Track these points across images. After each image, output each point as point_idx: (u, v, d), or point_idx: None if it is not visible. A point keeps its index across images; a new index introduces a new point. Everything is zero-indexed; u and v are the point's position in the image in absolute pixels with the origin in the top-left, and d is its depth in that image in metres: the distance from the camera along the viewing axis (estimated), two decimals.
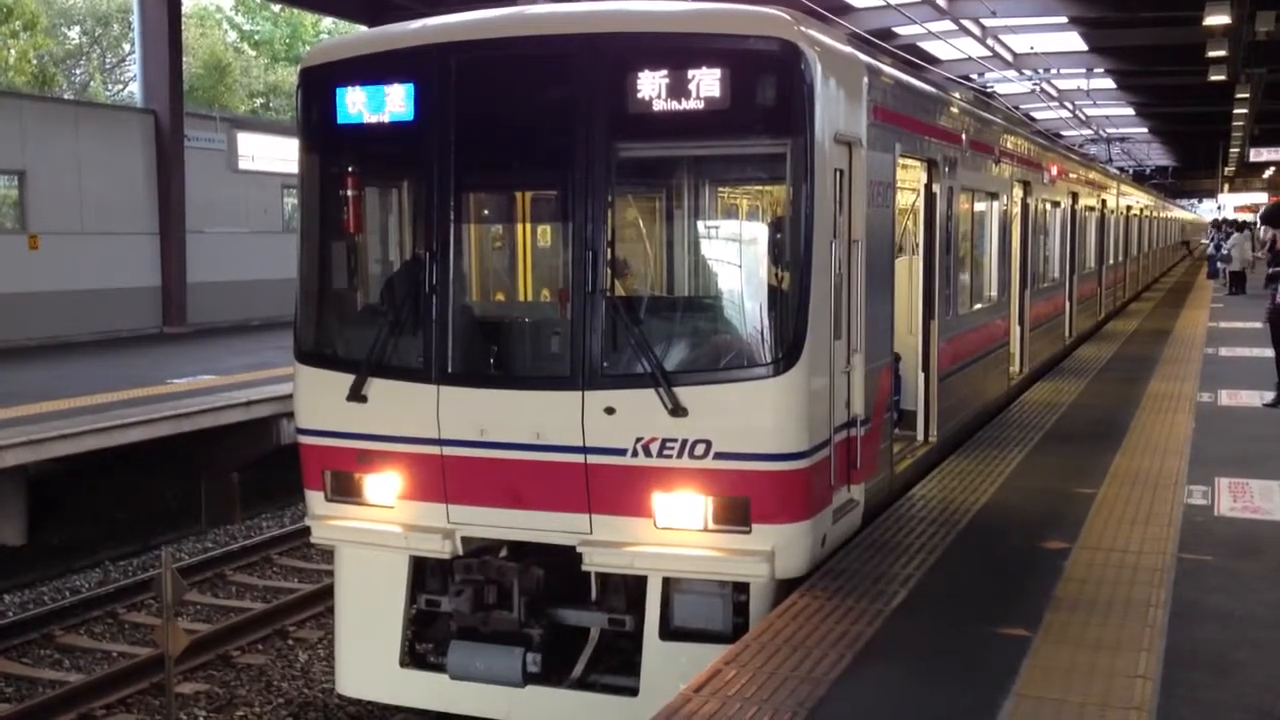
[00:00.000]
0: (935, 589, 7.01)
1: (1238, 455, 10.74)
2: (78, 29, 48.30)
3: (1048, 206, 16.82)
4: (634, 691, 7.18)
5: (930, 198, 10.19)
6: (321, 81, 7.81)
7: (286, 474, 12.56)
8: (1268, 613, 6.62)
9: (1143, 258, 35.53)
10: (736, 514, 6.91)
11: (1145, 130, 60.66)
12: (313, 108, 7.95)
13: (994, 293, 13.24)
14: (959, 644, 6.15)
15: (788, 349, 6.87)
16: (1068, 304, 19.22)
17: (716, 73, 6.79)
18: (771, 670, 5.77)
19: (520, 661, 7.29)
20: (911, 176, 9.98)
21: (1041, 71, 35.94)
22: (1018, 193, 14.31)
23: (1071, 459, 10.61)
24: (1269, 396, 13.55)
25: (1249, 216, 54.70)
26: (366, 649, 7.92)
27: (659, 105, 6.88)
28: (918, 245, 10.36)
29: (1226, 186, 68.42)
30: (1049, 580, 7.13)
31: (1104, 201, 24.17)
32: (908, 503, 8.96)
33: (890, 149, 8.58)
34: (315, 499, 7.93)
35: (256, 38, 54.75)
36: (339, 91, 7.62)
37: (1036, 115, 45.62)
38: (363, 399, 7.52)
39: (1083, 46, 37.05)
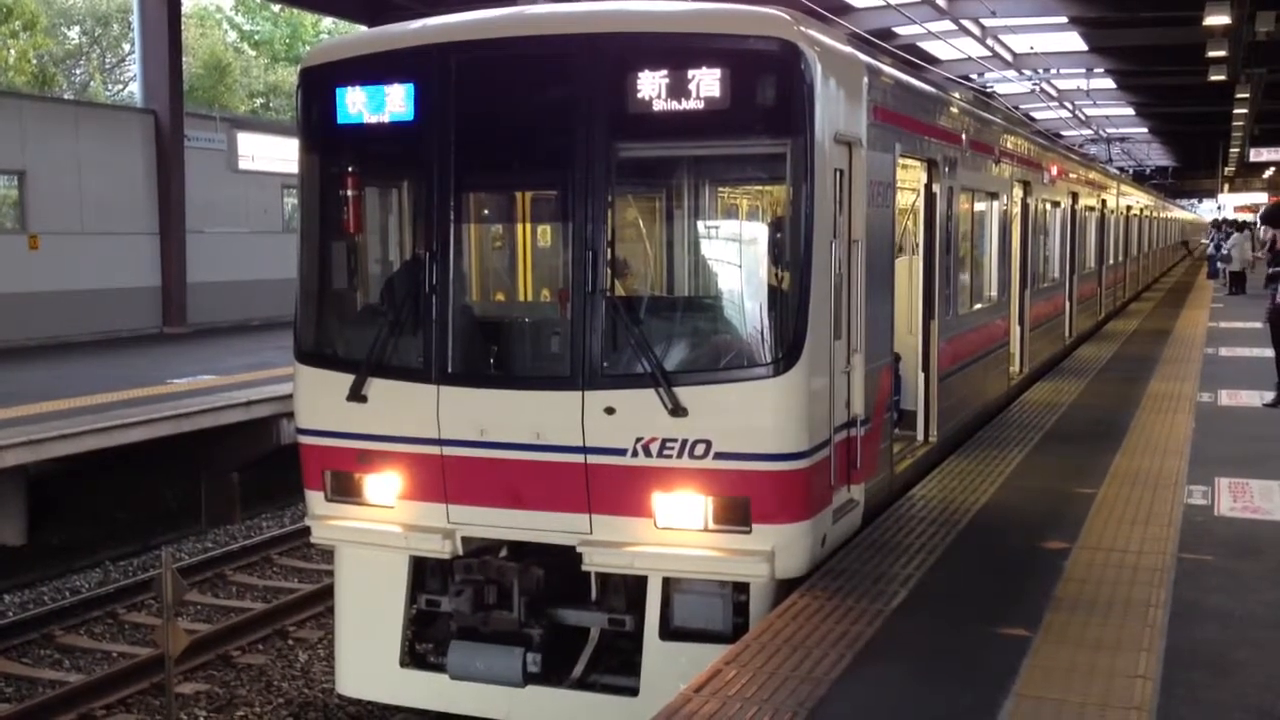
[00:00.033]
0: (935, 589, 7.01)
1: (1238, 455, 10.74)
2: (77, 29, 48.31)
3: (1048, 206, 16.82)
4: (634, 691, 7.18)
5: (930, 198, 10.19)
6: (321, 81, 7.81)
7: (286, 474, 12.56)
8: (1268, 612, 6.62)
9: (1143, 258, 35.54)
10: (736, 514, 6.91)
11: (1145, 130, 60.67)
12: (313, 108, 7.95)
13: (994, 293, 13.25)
14: (959, 644, 6.15)
15: (788, 349, 6.87)
16: (1068, 304, 19.22)
17: (716, 73, 6.79)
18: (772, 670, 5.77)
19: (520, 661, 7.29)
20: (911, 176, 9.98)
21: (1041, 71, 35.94)
22: (1018, 193, 14.31)
23: (1071, 459, 10.61)
24: (1269, 396, 13.55)
25: (1249, 216, 54.72)
26: (367, 649, 7.92)
27: (659, 105, 6.88)
28: (918, 245, 10.36)
29: (1226, 186, 68.43)
30: (1049, 580, 7.13)
31: (1104, 201, 24.17)
32: (908, 503, 8.96)
33: (890, 149, 8.58)
34: (315, 499, 7.93)
35: (256, 38, 54.77)
36: (339, 91, 7.62)
37: (1036, 115, 45.62)
38: (363, 399, 7.52)
39: (1083, 46, 37.05)
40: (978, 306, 12.30)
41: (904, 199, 9.68)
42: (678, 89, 6.84)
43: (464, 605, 7.39)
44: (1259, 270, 29.51)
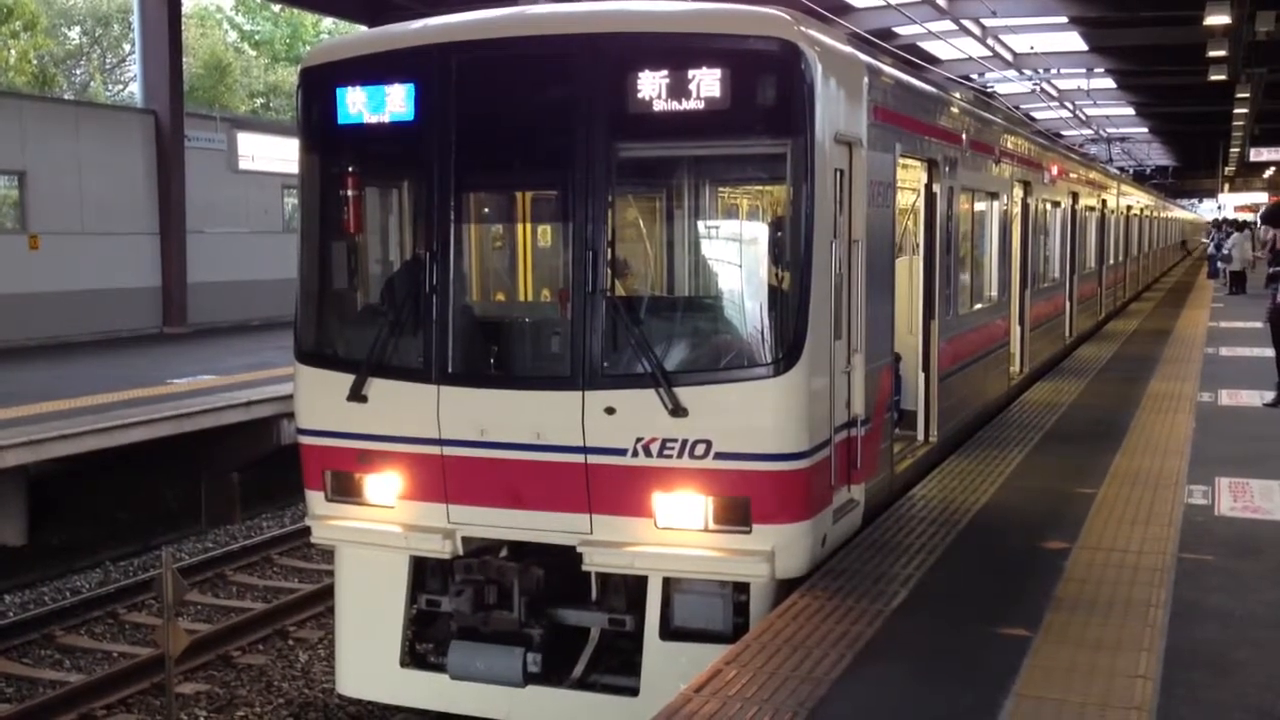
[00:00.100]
0: (935, 589, 7.01)
1: (1238, 455, 10.74)
2: (78, 29, 48.32)
3: (1048, 206, 16.82)
4: (634, 691, 7.18)
5: (930, 198, 10.19)
6: (322, 81, 7.81)
7: (287, 474, 12.56)
8: (1268, 612, 6.62)
9: (1143, 257, 35.53)
10: (737, 514, 6.91)
11: (1145, 130, 60.68)
12: (313, 108, 7.95)
13: (994, 293, 13.25)
14: (959, 644, 6.15)
15: (788, 349, 6.87)
16: (1068, 304, 19.22)
17: (717, 73, 6.79)
18: (772, 670, 5.77)
19: (520, 661, 7.29)
20: (912, 176, 9.98)
21: (1041, 71, 35.96)
22: (1018, 193, 14.31)
23: (1072, 459, 10.61)
24: (1269, 396, 13.55)
25: (1249, 216, 54.73)
26: (367, 649, 7.92)
27: (659, 105, 6.88)
28: (918, 245, 10.36)
29: (1227, 186, 68.44)
30: (1049, 580, 7.13)
31: (1104, 201, 24.17)
32: (908, 503, 8.96)
33: (890, 149, 8.58)
34: (315, 499, 7.93)
35: (257, 38, 54.77)
36: (339, 91, 7.62)
37: (1036, 115, 45.63)
38: (363, 399, 7.52)
39: (1083, 46, 37.05)
40: (978, 306, 12.30)
41: (904, 199, 9.68)
42: (678, 89, 6.84)
43: (464, 605, 7.39)
44: (1259, 270, 29.52)
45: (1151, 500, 9.05)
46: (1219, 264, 37.40)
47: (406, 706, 8.30)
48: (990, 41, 34.82)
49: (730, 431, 6.84)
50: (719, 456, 6.84)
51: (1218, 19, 23.42)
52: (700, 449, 6.85)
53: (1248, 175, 64.28)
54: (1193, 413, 12.96)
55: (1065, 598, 6.81)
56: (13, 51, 40.67)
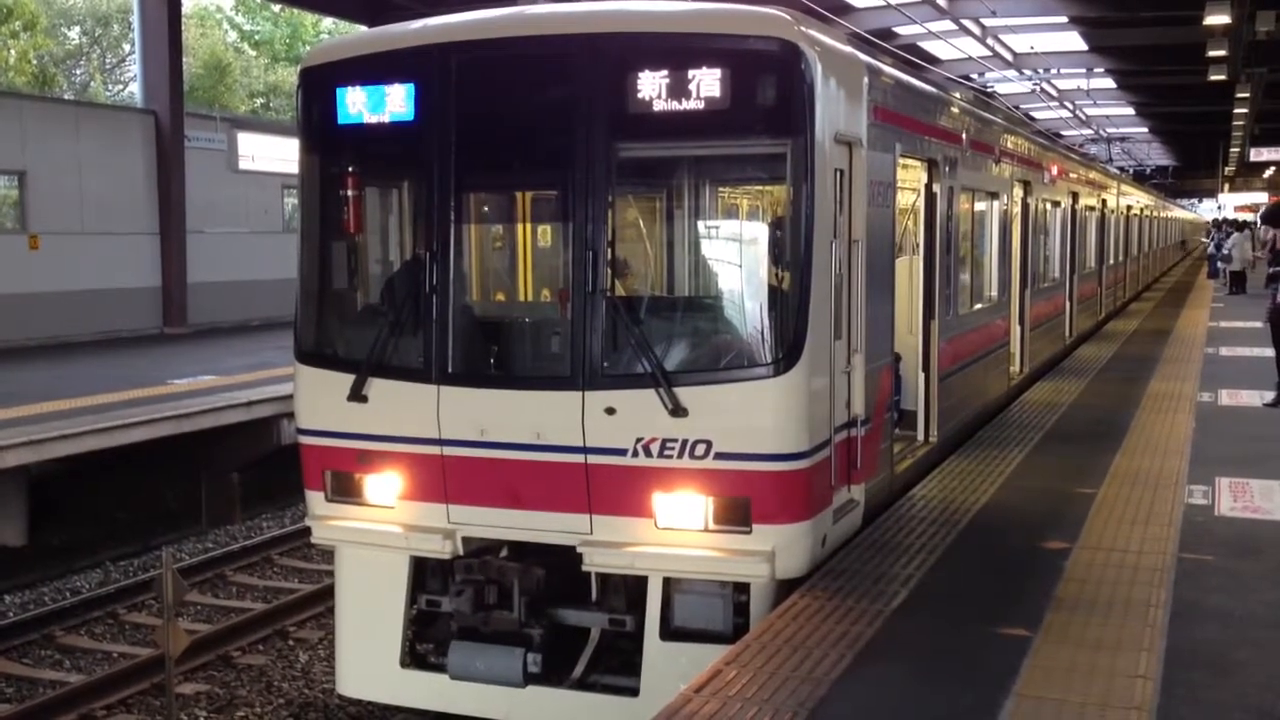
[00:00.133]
0: (936, 589, 7.01)
1: (1238, 455, 10.74)
2: (78, 29, 48.31)
3: (1048, 206, 16.82)
4: (634, 692, 7.18)
5: (930, 198, 10.19)
6: (322, 82, 7.81)
7: (287, 474, 12.56)
8: (1268, 612, 6.62)
9: (1143, 257, 35.53)
10: (737, 514, 6.91)
11: (1145, 130, 60.68)
12: (313, 108, 7.95)
13: (994, 292, 13.25)
14: (959, 644, 6.15)
15: (788, 349, 6.87)
16: (1068, 304, 19.22)
17: (717, 73, 6.79)
18: (772, 670, 5.77)
19: (521, 662, 7.29)
20: (912, 176, 9.98)
21: (1041, 71, 35.96)
22: (1018, 192, 14.31)
23: (1072, 459, 10.60)
24: (1269, 396, 13.55)
25: (1249, 216, 54.74)
26: (367, 649, 7.92)
27: (659, 105, 6.88)
28: (918, 245, 10.36)
29: (1227, 186, 68.46)
30: (1049, 580, 7.13)
31: (1104, 201, 24.17)
32: (908, 503, 8.96)
33: (890, 149, 8.57)
34: (315, 499, 7.93)
35: (257, 38, 54.76)
36: (339, 91, 7.62)
37: (1036, 115, 45.63)
38: (363, 399, 7.52)
39: (1083, 46, 37.05)
40: (978, 306, 12.30)
41: (904, 199, 9.68)
42: (678, 89, 6.84)
43: (464, 605, 7.39)
44: (1259, 270, 29.51)
45: (1151, 500, 9.05)
46: (1219, 264, 37.41)
47: (407, 707, 8.30)
48: (990, 41, 34.81)
49: (730, 431, 6.84)
50: (719, 457, 6.84)
51: (1218, 19, 23.42)
52: (700, 449, 6.85)
53: (1248, 175, 64.29)
54: (1193, 413, 12.96)
55: (1065, 598, 6.81)
56: (13, 51, 40.67)
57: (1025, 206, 14.75)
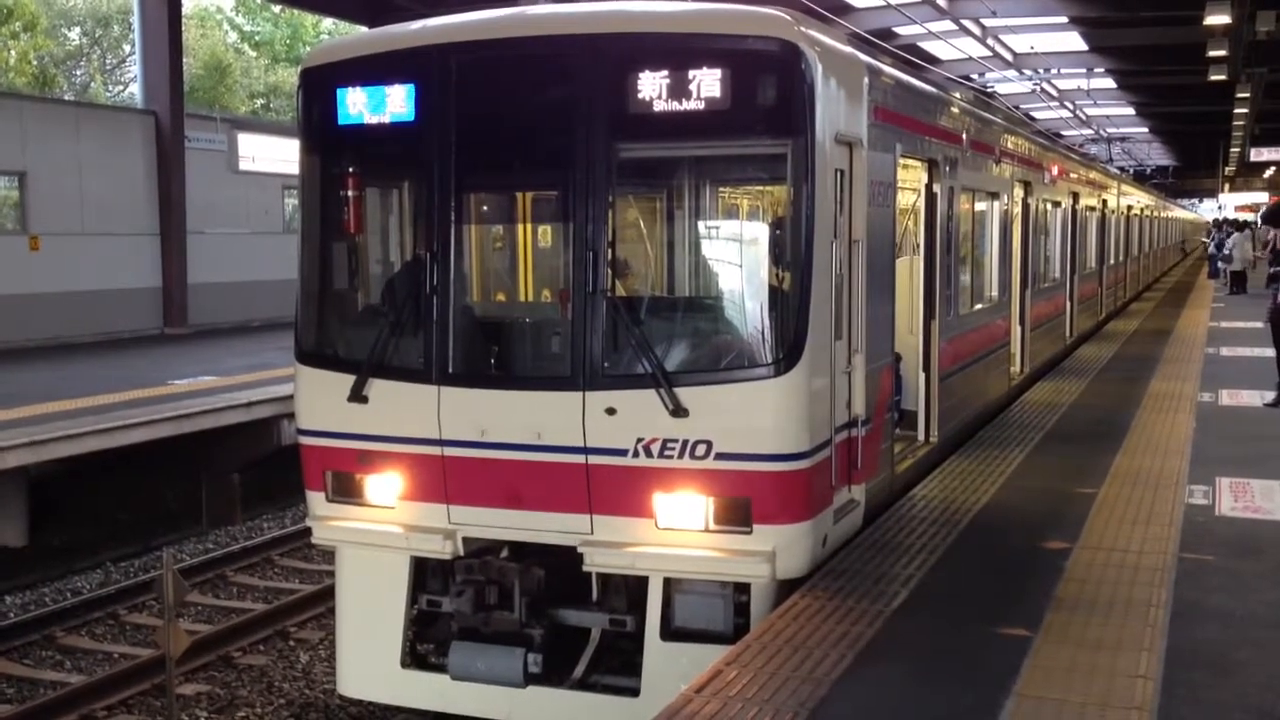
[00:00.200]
0: (936, 589, 7.01)
1: (1238, 455, 10.74)
2: (78, 30, 48.31)
3: (1048, 206, 16.82)
4: (635, 692, 7.19)
5: (931, 198, 10.19)
6: (322, 82, 7.81)
7: (287, 475, 12.56)
8: (1269, 612, 6.62)
9: (1143, 257, 35.53)
10: (737, 514, 6.91)
11: (1145, 130, 60.69)
12: (313, 108, 7.95)
13: (995, 293, 13.25)
14: (960, 644, 6.15)
15: (788, 349, 6.87)
16: (1068, 304, 19.22)
17: (717, 73, 6.79)
18: (773, 671, 5.77)
19: (521, 662, 7.30)
20: (912, 176, 9.98)
21: (1041, 71, 35.97)
22: (1018, 193, 14.31)
23: (1072, 459, 10.61)
24: (1270, 396, 13.55)
25: (1250, 216, 54.75)
26: (368, 649, 7.92)
27: (659, 106, 6.88)
28: (918, 245, 10.36)
29: (1227, 186, 68.46)
30: (1050, 580, 7.13)
31: (1104, 201, 24.17)
32: (909, 503, 8.96)
33: (891, 149, 8.57)
34: (316, 500, 7.93)
35: (257, 38, 54.77)
36: (340, 92, 7.62)
37: (1037, 115, 45.63)
38: (363, 399, 7.52)
39: (1083, 46, 37.06)
40: (978, 306, 12.31)
41: (905, 199, 9.68)
42: (678, 89, 6.84)
43: (465, 606, 7.39)
44: (1260, 270, 29.52)
45: (1152, 500, 9.05)
46: (1219, 264, 37.43)
47: (407, 707, 8.30)
48: (990, 41, 34.82)
49: (731, 432, 6.84)
50: (719, 457, 6.84)
51: (1218, 19, 23.43)
52: (701, 449, 6.85)
53: (1248, 175, 64.30)
54: (1193, 413, 12.96)
55: (1066, 598, 6.81)
56: (13, 52, 40.68)
57: (1026, 207, 14.75)
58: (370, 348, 7.57)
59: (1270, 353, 14.40)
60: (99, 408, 14.09)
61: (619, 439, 6.97)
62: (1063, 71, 37.88)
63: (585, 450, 7.05)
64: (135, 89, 29.20)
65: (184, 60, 28.50)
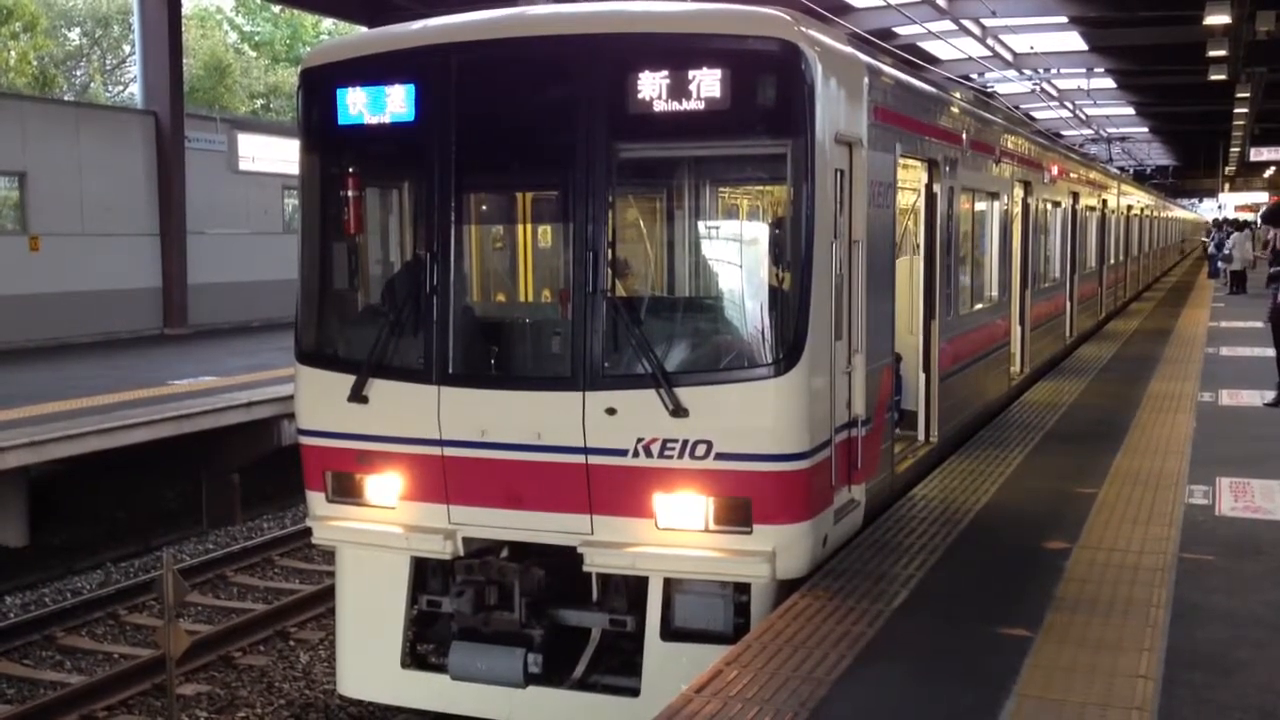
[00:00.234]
0: (936, 589, 7.01)
1: (1239, 455, 10.74)
2: (78, 30, 48.30)
3: (1048, 206, 16.82)
4: (635, 692, 7.19)
5: (931, 198, 10.19)
6: (322, 82, 7.81)
7: (287, 475, 12.56)
8: (1269, 612, 6.62)
9: (1143, 257, 35.54)
10: (738, 514, 6.91)
11: (1145, 130, 60.68)
12: (313, 108, 7.95)
13: (995, 293, 13.25)
14: (960, 644, 6.15)
15: (788, 349, 6.87)
16: (1068, 304, 19.22)
17: (717, 73, 6.79)
18: (773, 671, 5.77)
19: (521, 662, 7.29)
20: (912, 176, 9.98)
21: (1041, 71, 35.95)
22: (1018, 192, 14.31)
23: (1072, 459, 10.61)
24: (1270, 396, 13.55)
25: (1250, 216, 54.76)
26: (368, 650, 7.92)
27: (659, 106, 6.87)
28: (918, 245, 10.36)
29: (1227, 186, 68.46)
30: (1050, 580, 7.13)
31: (1104, 201, 24.17)
32: (909, 503, 8.96)
33: (891, 149, 8.57)
34: (316, 500, 7.93)
35: (257, 39, 54.77)
36: (339, 92, 7.62)
37: (1037, 115, 45.62)
38: (364, 400, 7.52)
39: (1083, 46, 37.05)
40: (978, 306, 12.31)
41: (905, 199, 9.68)
42: (678, 89, 6.84)
43: (465, 606, 7.39)
44: (1260, 270, 29.52)
45: (1152, 500, 9.05)
46: (1219, 264, 37.44)
47: (407, 707, 8.30)
48: (990, 41, 34.81)
49: (731, 432, 6.84)
50: (720, 457, 6.84)
51: (1218, 19, 23.42)
52: (701, 449, 6.85)
53: (1248, 175, 64.31)
54: (1193, 413, 12.96)
55: (1066, 598, 6.81)
56: (13, 53, 40.67)
57: (1026, 206, 14.75)
58: (370, 348, 7.56)
59: (1270, 353, 14.41)
60: (99, 408, 14.09)
61: (619, 439, 6.97)
62: (1063, 71, 37.87)
63: (585, 450, 7.05)
64: (135, 89, 29.20)
65: (184, 60, 28.50)
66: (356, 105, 7.58)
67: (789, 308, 6.93)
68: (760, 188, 9.12)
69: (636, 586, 7.29)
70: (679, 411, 6.83)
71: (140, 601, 12.01)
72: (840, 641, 6.12)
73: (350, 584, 8.03)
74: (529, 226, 8.95)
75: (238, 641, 10.87)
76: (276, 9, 52.25)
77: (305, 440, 7.95)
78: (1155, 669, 5.75)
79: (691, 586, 7.19)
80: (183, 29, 28.36)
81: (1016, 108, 32.76)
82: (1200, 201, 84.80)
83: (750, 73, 6.90)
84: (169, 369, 18.06)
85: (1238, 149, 53.42)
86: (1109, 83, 43.11)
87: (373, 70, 7.61)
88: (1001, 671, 5.72)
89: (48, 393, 15.21)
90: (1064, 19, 33.35)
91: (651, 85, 6.87)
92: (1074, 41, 36.59)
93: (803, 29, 7.01)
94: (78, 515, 14.09)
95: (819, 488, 7.12)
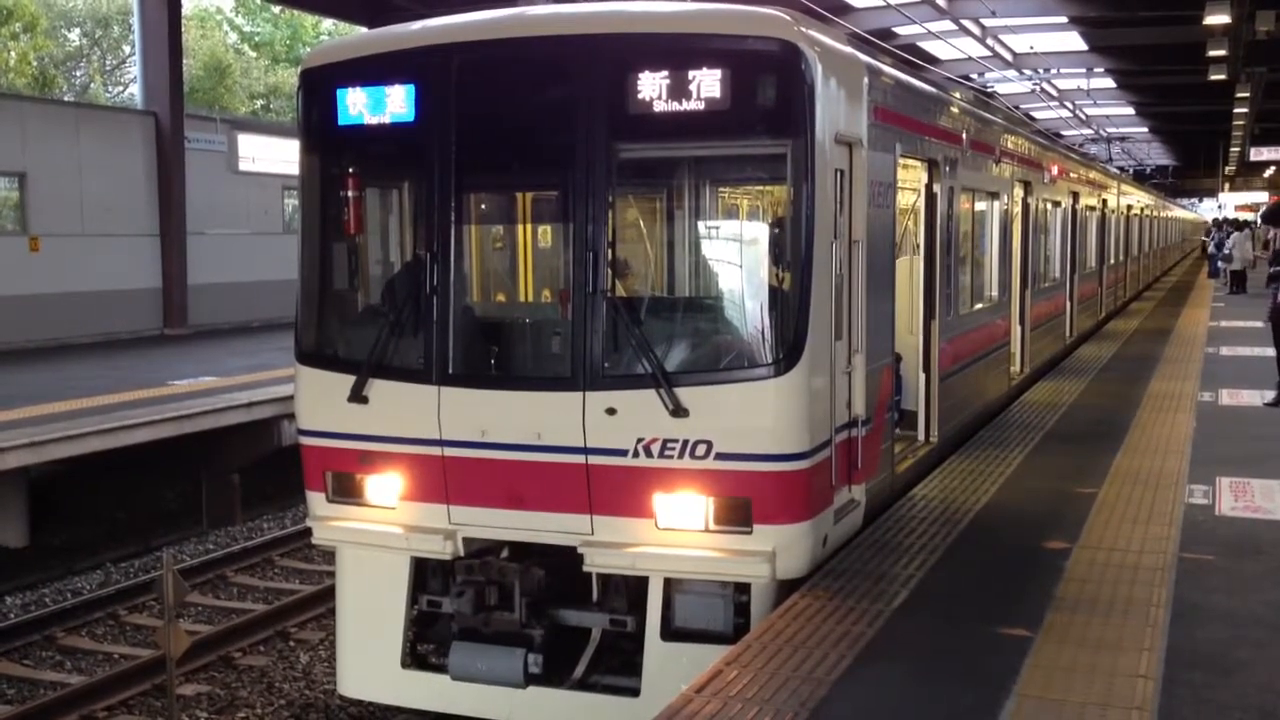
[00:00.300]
0: (936, 589, 7.01)
1: (1239, 454, 10.74)
2: (78, 31, 48.30)
3: (1048, 206, 16.83)
4: (635, 692, 7.19)
5: (931, 198, 10.19)
6: (322, 83, 7.81)
7: (287, 475, 12.56)
8: (1269, 612, 6.62)
9: (1143, 257, 35.54)
10: (738, 514, 6.91)
11: (1145, 130, 60.67)
12: (313, 109, 7.95)
13: (995, 292, 13.25)
14: (960, 644, 6.16)
15: (788, 349, 6.87)
16: (1068, 304, 19.22)
17: (717, 73, 6.79)
18: (773, 671, 5.77)
19: (522, 662, 7.30)
20: (912, 176, 9.98)
21: (1041, 71, 35.95)
22: (1018, 192, 14.31)
23: (1072, 459, 10.61)
24: (1270, 396, 13.55)
25: (1250, 215, 54.76)
26: (368, 650, 7.92)
27: (659, 106, 6.88)
28: (918, 245, 10.36)
29: (1227, 186, 68.44)
30: (1050, 580, 7.13)
31: (1104, 201, 24.17)
32: (909, 503, 8.96)
33: (891, 149, 8.58)
34: (316, 500, 7.93)
35: (257, 39, 54.77)
36: (340, 93, 7.62)
37: (1037, 115, 45.63)
38: (364, 400, 7.53)
39: (1083, 46, 37.05)
40: (978, 306, 12.31)
41: (905, 199, 9.68)
42: (678, 90, 6.84)
43: (465, 606, 7.39)
44: (1260, 269, 29.52)
45: (1152, 500, 9.05)
46: (1219, 263, 37.45)
47: (407, 707, 8.30)
48: (990, 41, 34.81)
49: (731, 432, 6.84)
50: (720, 457, 6.84)
51: (1217, 18, 23.42)
52: (701, 449, 6.85)
53: (1248, 175, 64.28)
54: (1193, 412, 12.96)
55: (1066, 598, 6.81)
56: (13, 53, 40.66)
57: (1025, 206, 14.75)
58: (370, 348, 7.57)
59: (1270, 352, 14.41)
60: (100, 408, 14.09)
61: (619, 439, 6.97)
62: (1062, 71, 37.87)
63: (585, 450, 7.06)
64: (135, 90, 29.20)
65: (184, 61, 28.50)
66: (356, 105, 7.58)
67: (789, 308, 6.93)
68: (760, 188, 9.12)
69: (637, 586, 7.29)
70: (679, 411, 6.83)
71: (140, 602, 12.01)
72: (840, 641, 6.12)
73: (350, 584, 8.03)
74: (529, 226, 8.95)
75: (238, 642, 10.88)
76: (276, 9, 52.24)
77: (305, 440, 7.95)
78: (1155, 669, 5.75)
79: (691, 586, 7.20)
80: (183, 29, 28.37)
81: (1016, 108, 32.76)
82: (1200, 201, 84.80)
83: (750, 73, 6.90)
84: (169, 369, 18.06)
85: (1237, 149, 53.42)
86: (1109, 83, 43.11)
87: (373, 71, 7.62)
88: (1001, 671, 5.72)
89: (48, 393, 15.21)
90: (1064, 19, 33.35)
91: (651, 85, 6.87)
92: (1074, 41, 36.60)
93: (803, 29, 7.01)
94: (78, 515, 14.09)
95: (819, 488, 7.12)
